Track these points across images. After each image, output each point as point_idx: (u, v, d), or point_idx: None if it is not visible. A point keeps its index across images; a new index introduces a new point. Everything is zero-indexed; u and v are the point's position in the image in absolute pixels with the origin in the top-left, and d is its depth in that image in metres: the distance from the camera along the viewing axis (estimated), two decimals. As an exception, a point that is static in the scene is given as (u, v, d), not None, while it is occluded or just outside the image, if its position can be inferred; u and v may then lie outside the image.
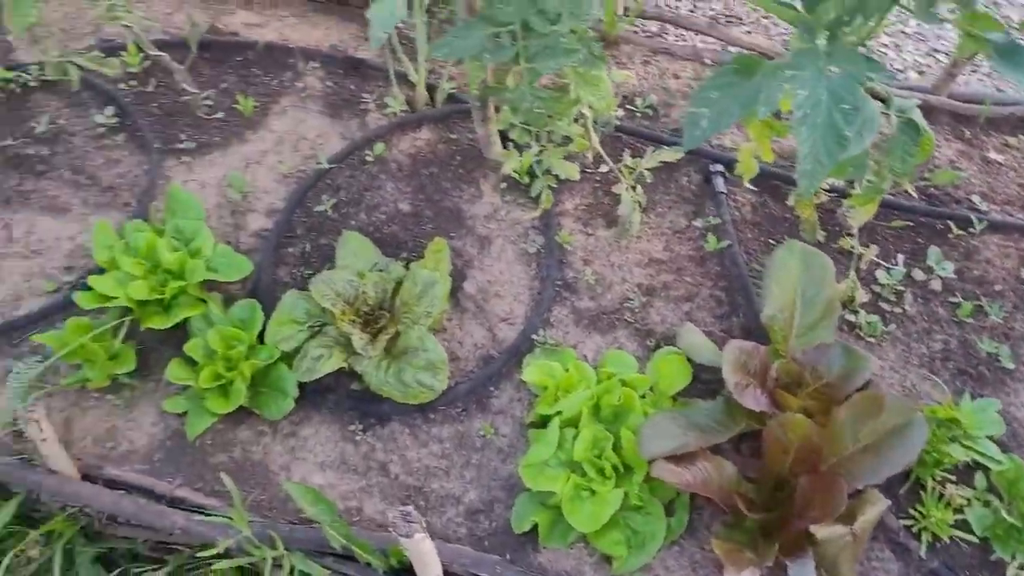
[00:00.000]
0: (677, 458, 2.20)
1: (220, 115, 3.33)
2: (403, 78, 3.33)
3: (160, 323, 2.63)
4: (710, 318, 2.78)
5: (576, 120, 2.70)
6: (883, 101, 2.20)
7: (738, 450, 2.47)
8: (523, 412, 2.63)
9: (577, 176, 2.76)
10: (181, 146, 3.23)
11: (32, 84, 3.41)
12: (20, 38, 3.25)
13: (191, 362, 2.62)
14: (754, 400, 2.26)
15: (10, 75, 3.41)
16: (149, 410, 2.66)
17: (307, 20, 3.71)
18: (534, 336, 2.74)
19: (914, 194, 3.03)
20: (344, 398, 2.65)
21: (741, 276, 2.80)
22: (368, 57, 3.52)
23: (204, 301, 2.72)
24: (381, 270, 2.77)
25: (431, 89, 3.34)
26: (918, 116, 2.15)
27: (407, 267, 2.82)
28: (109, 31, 3.61)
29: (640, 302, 2.82)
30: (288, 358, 2.62)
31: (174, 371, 2.58)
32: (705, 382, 2.61)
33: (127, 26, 2.80)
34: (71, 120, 3.32)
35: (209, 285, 2.79)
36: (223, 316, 2.69)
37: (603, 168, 3.11)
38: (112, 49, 3.46)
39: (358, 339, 2.54)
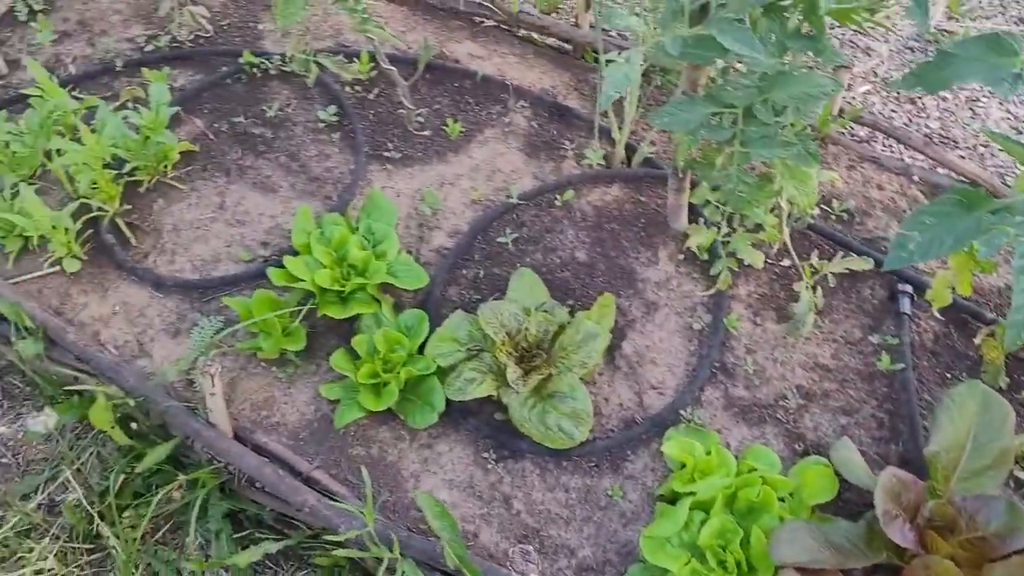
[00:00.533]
0: (807, 571, 2.14)
1: (428, 133, 3.52)
2: (605, 133, 3.43)
3: (336, 312, 2.79)
4: (867, 438, 2.69)
5: (772, 210, 2.70)
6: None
7: (870, 581, 2.37)
8: (654, 483, 2.62)
9: (760, 265, 2.75)
10: (387, 154, 3.43)
11: (272, 72, 3.73)
12: (283, 31, 3.56)
13: (354, 355, 2.76)
14: (901, 534, 2.16)
15: (256, 60, 3.73)
16: (306, 390, 2.81)
17: (525, 61, 3.87)
18: (681, 411, 2.73)
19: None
20: (484, 425, 2.72)
21: (910, 403, 2.69)
22: (575, 107, 3.64)
23: (378, 301, 2.87)
24: (547, 311, 2.83)
25: (629, 149, 3.41)
26: None
27: (572, 314, 2.88)
28: (348, 38, 3.90)
29: (796, 404, 2.76)
30: (441, 373, 2.72)
31: (338, 360, 2.72)
32: (848, 502, 2.52)
33: (370, 37, 3.02)
34: (297, 111, 3.59)
35: (385, 287, 2.95)
36: (392, 319, 2.83)
37: (785, 262, 3.08)
38: (347, 54, 3.74)
39: (512, 372, 2.60)
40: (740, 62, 2.25)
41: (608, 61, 1.96)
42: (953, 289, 2.66)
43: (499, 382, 2.67)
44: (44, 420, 2.81)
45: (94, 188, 3.08)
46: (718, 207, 2.74)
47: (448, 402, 2.68)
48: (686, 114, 2.20)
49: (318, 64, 3.46)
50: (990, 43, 1.80)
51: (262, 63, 3.74)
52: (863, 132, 3.88)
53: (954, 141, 3.99)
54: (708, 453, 2.53)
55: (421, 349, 2.78)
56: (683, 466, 2.51)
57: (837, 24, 2.26)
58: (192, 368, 2.79)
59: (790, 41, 2.11)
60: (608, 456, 2.67)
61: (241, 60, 3.72)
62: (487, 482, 2.63)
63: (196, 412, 2.69)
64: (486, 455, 2.68)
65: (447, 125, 3.52)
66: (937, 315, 2.93)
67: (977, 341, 2.78)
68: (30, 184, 3.16)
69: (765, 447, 2.64)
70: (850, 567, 2.18)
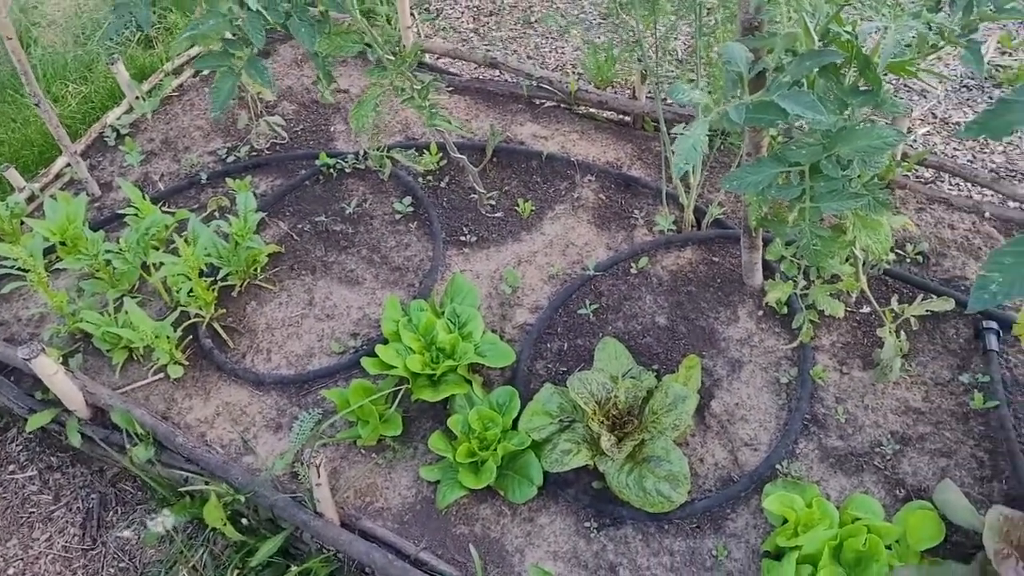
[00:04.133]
0: (925, 619, 2.12)
1: (500, 214, 3.67)
2: (672, 199, 3.52)
3: (429, 396, 2.89)
4: (969, 479, 2.65)
5: (847, 259, 2.74)
6: None
7: (990, 625, 2.32)
8: (757, 539, 2.62)
9: (841, 314, 2.78)
10: (463, 238, 3.58)
11: (347, 171, 3.94)
12: (360, 133, 3.77)
13: (450, 436, 2.85)
14: (1016, 573, 2.13)
15: (331, 161, 3.95)
16: (406, 473, 2.91)
17: (587, 136, 4.01)
18: (777, 466, 2.74)
19: None
20: (583, 494, 2.77)
21: (1008, 440, 2.66)
22: (640, 176, 3.75)
23: (468, 382, 2.97)
24: (634, 377, 2.90)
25: (698, 212, 3.49)
26: None
27: (658, 378, 2.93)
28: (415, 131, 4.11)
29: (892, 449, 2.75)
30: (536, 447, 2.79)
31: (435, 442, 2.82)
32: (957, 544, 2.49)
33: (439, 130, 3.19)
34: (374, 205, 3.78)
35: (474, 367, 3.05)
36: (483, 398, 2.92)
37: (865, 309, 3.10)
38: (417, 147, 3.94)
39: (606, 440, 2.66)
40: (802, 122, 2.32)
41: (676, 135, 2.06)
42: (1041, 322, 2.65)
43: (593, 451, 2.72)
44: (162, 521, 2.95)
45: (191, 296, 3.28)
46: (793, 261, 2.79)
47: (545, 475, 2.74)
48: (755, 176, 2.28)
49: (391, 159, 3.66)
50: (1049, 83, 1.85)
51: (337, 163, 3.95)
52: (928, 173, 3.90)
53: (1022, 174, 3.97)
54: (809, 506, 2.53)
55: (514, 425, 2.86)
56: (785, 521, 2.52)
57: (892, 74, 2.33)
58: (296, 461, 2.91)
59: (848, 97, 2.19)
60: (708, 516, 2.69)
61: (318, 162, 3.95)
62: (591, 551, 2.66)
63: (303, 503, 2.80)
64: (587, 524, 2.72)
65: (518, 205, 3.66)
66: (1014, 342, 2.90)
67: (1073, 372, 2.75)
68: (132, 297, 3.38)
69: (866, 495, 2.62)
70: (969, 612, 2.15)
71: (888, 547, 2.43)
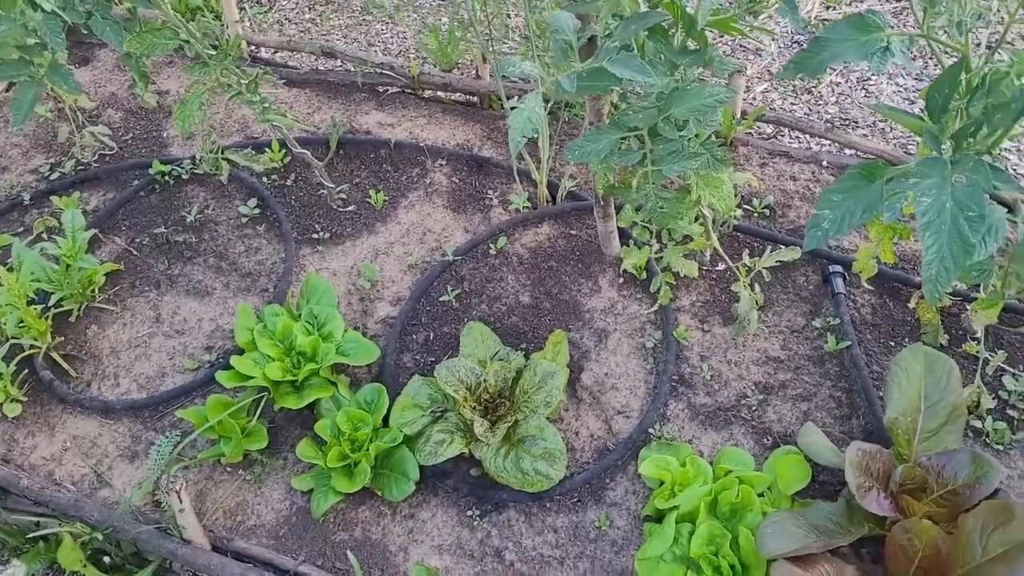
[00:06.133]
0: (798, 559, 2.17)
1: (352, 208, 3.55)
2: (526, 176, 3.50)
3: (293, 403, 2.77)
4: (829, 419, 2.75)
5: (696, 219, 2.78)
6: (1009, 208, 2.21)
7: (859, 555, 2.41)
8: (638, 505, 2.64)
9: (696, 274, 2.82)
10: (316, 236, 3.45)
11: (184, 177, 3.72)
12: (184, 137, 3.57)
13: (320, 442, 2.74)
14: (877, 504, 2.22)
15: (166, 168, 3.73)
16: (278, 486, 2.78)
17: (435, 120, 3.94)
18: (650, 430, 2.76)
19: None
20: (462, 483, 2.72)
21: (862, 377, 2.77)
22: (492, 155, 3.71)
23: (334, 384, 2.86)
24: (502, 359, 2.86)
25: (552, 187, 3.48)
26: (1048, 223, 2.14)
27: (527, 357, 2.91)
28: (255, 129, 3.93)
29: (757, 400, 2.82)
30: (410, 442, 2.72)
31: (304, 450, 2.70)
32: (823, 483, 2.58)
33: (275, 125, 3.05)
34: (217, 211, 3.59)
35: (338, 368, 2.94)
36: (351, 398, 2.82)
37: (720, 266, 3.16)
38: (257, 145, 3.77)
39: (479, 426, 2.62)
40: (637, 87, 2.33)
41: (512, 108, 2.02)
42: (879, 260, 2.77)
43: (468, 438, 2.67)
44: (12, 573, 2.72)
45: (22, 327, 3.02)
46: (645, 226, 2.81)
47: (422, 468, 2.68)
48: (595, 144, 2.27)
49: (228, 161, 3.48)
50: (857, 23, 1.92)
51: (173, 170, 3.73)
52: (769, 129, 4.02)
53: (854, 122, 4.15)
54: (683, 465, 2.56)
55: (386, 422, 2.78)
56: (661, 483, 2.54)
57: (721, 34, 2.37)
58: (156, 488, 2.74)
59: (677, 58, 2.20)
60: (588, 489, 2.69)
61: (151, 171, 3.71)
62: (476, 540, 2.62)
63: (169, 532, 2.64)
64: (470, 513, 2.67)
65: (370, 197, 3.55)
66: (870, 288, 3.03)
67: (911, 305, 2.88)
68: (-46, 336, 3.10)
69: (736, 448, 2.68)
70: (837, 545, 2.22)
71: (761, 495, 2.49)
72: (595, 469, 2.70)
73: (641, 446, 2.73)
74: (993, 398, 2.69)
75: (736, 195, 3.41)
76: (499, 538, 2.61)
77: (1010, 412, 2.69)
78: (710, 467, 2.58)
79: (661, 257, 2.89)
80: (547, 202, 3.47)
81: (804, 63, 1.96)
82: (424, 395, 2.79)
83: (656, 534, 2.42)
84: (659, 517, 2.53)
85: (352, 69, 4.16)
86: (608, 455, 2.73)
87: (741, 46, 4.64)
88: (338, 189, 3.58)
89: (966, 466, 2.28)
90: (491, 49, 3.10)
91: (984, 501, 2.18)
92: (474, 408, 2.69)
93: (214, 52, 2.74)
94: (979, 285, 2.75)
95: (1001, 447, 2.62)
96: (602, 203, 2.99)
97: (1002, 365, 2.75)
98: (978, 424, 2.65)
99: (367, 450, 2.65)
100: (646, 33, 2.23)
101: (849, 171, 1.92)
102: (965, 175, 1.76)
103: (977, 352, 2.71)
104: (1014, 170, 3.79)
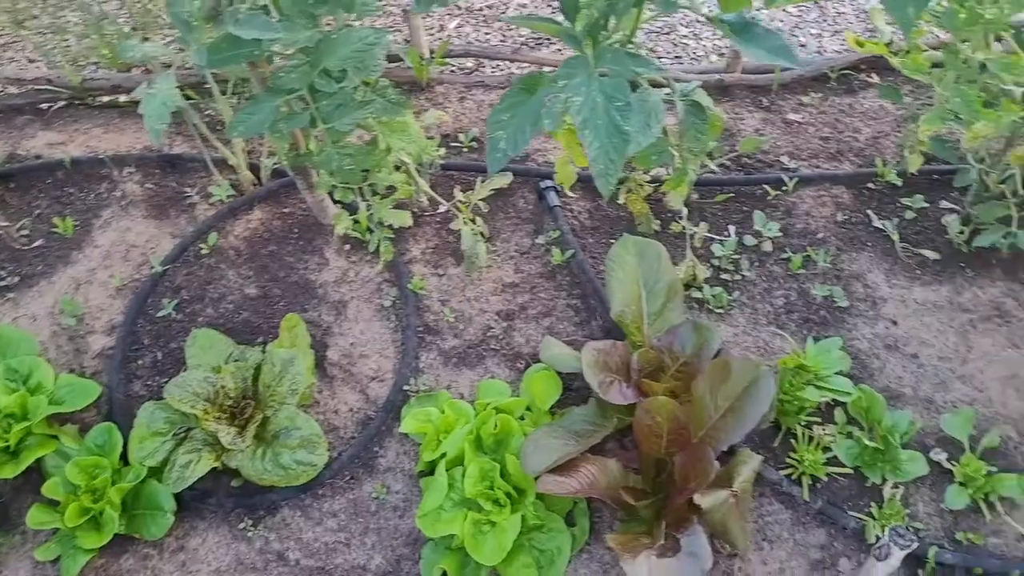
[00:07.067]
0: (561, 468, 2.22)
1: (40, 242, 3.21)
2: (223, 164, 3.29)
3: (11, 472, 2.47)
4: (571, 327, 2.83)
5: (399, 168, 2.73)
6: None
7: (623, 446, 2.51)
8: (411, 464, 2.60)
9: (409, 222, 2.78)
10: (3, 283, 3.09)
11: None
12: None
13: (53, 503, 2.48)
14: (620, 394, 2.30)
15: None
16: (23, 564, 2.50)
17: (114, 127, 3.62)
18: (406, 387, 2.72)
19: (730, 167, 3.19)
20: (226, 498, 2.56)
21: (591, 281, 2.86)
22: (184, 150, 3.46)
23: (55, 437, 2.59)
24: (237, 360, 2.70)
25: (254, 169, 3.31)
26: (702, 97, 2.27)
27: (264, 351, 2.76)
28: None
29: (502, 328, 2.85)
30: (158, 472, 2.52)
31: (35, 517, 2.43)
32: (578, 390, 2.65)
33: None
34: None
35: (59, 418, 2.67)
36: (79, 447, 2.57)
37: (442, 208, 3.14)
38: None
39: (225, 434, 2.46)
40: (286, 48, 2.21)
41: (144, 96, 1.85)
42: (576, 166, 2.85)
43: (219, 451, 2.51)
44: None
45: None
46: (345, 187, 2.72)
47: (177, 497, 2.49)
48: (256, 115, 2.14)
49: None
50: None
51: None
52: (471, 63, 4.01)
53: (548, 39, 4.23)
54: (443, 412, 2.55)
55: (126, 460, 2.55)
56: (426, 435, 2.51)
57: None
58: None
59: (315, 8, 2.10)
60: (359, 463, 2.62)
61: None
62: (255, 550, 2.48)
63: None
64: (242, 526, 2.53)
65: (57, 226, 3.22)
66: (581, 194, 3.13)
67: (621, 201, 3.00)
68: None
69: (492, 380, 2.70)
70: (594, 444, 2.29)
71: (521, 418, 2.52)
72: (360, 442, 2.63)
73: (402, 405, 2.69)
74: (708, 267, 2.88)
75: (438, 135, 3.40)
76: (278, 541, 2.49)
77: (723, 276, 2.89)
78: (471, 407, 2.58)
79: (373, 214, 2.82)
80: (253, 185, 3.29)
81: (433, -8, 1.92)
82: (160, 420, 2.58)
83: (431, 487, 2.39)
84: (432, 470, 2.50)
85: (9, 90, 3.72)
86: (370, 424, 2.67)
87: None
88: (17, 226, 3.21)
89: (690, 337, 2.42)
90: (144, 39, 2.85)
91: (709, 364, 2.31)
92: (218, 418, 2.53)
93: None
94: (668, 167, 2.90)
95: (722, 310, 2.80)
96: (300, 174, 2.86)
97: (708, 235, 2.94)
98: (699, 295, 2.82)
99: (109, 496, 2.42)
100: (278, -13, 2.11)
101: (511, 88, 1.92)
102: (608, 68, 1.81)
103: (684, 229, 2.86)
104: (692, 53, 4.02)
